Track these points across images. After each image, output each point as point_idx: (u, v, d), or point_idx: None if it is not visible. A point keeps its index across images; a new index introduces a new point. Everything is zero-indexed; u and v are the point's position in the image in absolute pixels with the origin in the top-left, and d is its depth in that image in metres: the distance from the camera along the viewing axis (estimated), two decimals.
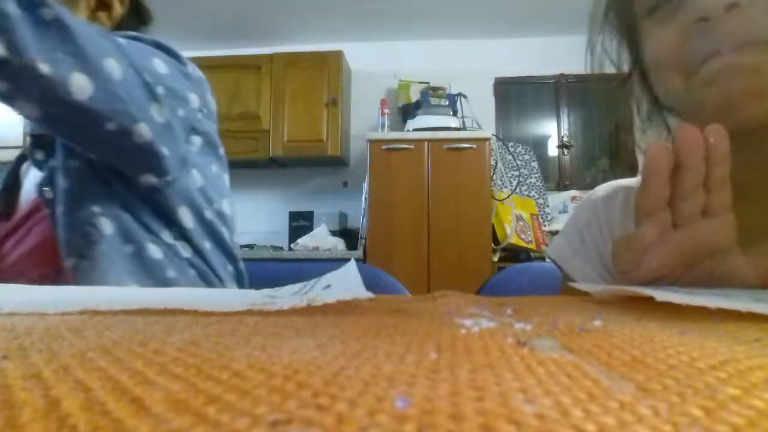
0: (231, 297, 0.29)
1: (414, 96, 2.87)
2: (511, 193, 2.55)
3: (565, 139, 3.04)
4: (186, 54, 0.69)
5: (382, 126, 2.80)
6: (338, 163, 3.08)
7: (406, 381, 0.11)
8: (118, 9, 0.71)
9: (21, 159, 0.72)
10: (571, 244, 0.56)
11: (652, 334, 0.17)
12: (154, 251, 0.60)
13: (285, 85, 2.95)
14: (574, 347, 0.15)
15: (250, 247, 2.79)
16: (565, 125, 3.05)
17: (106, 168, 0.60)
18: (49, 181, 0.60)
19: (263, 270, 0.71)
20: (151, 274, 0.59)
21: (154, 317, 0.21)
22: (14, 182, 0.69)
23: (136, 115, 0.55)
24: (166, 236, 0.63)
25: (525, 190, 2.72)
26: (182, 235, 0.65)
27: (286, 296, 0.28)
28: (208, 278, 0.66)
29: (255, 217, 3.06)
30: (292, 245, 2.77)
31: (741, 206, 0.34)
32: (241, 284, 0.73)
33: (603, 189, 0.58)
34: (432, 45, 3.10)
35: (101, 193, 0.59)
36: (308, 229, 2.85)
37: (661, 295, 0.24)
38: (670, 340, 0.15)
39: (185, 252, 0.64)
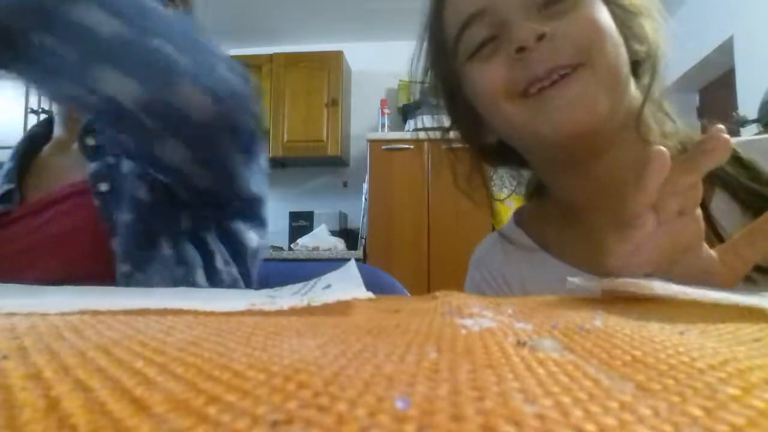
0: (231, 297, 0.29)
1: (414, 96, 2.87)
2: (511, 193, 2.54)
3: None
4: None
5: (382, 126, 2.80)
6: (338, 163, 3.09)
7: (406, 381, 0.11)
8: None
9: (34, 140, 0.68)
10: None
11: (652, 334, 0.17)
12: (201, 277, 0.59)
13: (285, 85, 2.95)
14: (574, 347, 0.15)
15: None
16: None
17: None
18: (105, 176, 0.57)
19: (263, 270, 0.70)
20: None
21: (154, 317, 0.21)
22: (28, 164, 0.66)
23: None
24: (219, 261, 0.61)
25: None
26: (234, 258, 0.63)
27: (286, 296, 0.28)
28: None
29: None
30: (292, 245, 2.77)
31: (585, 221, 0.43)
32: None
33: (481, 248, 0.64)
34: None
35: (171, 215, 0.58)
36: (308, 229, 2.85)
37: (659, 287, 0.24)
38: (670, 340, 0.15)
39: (228, 278, 0.62)
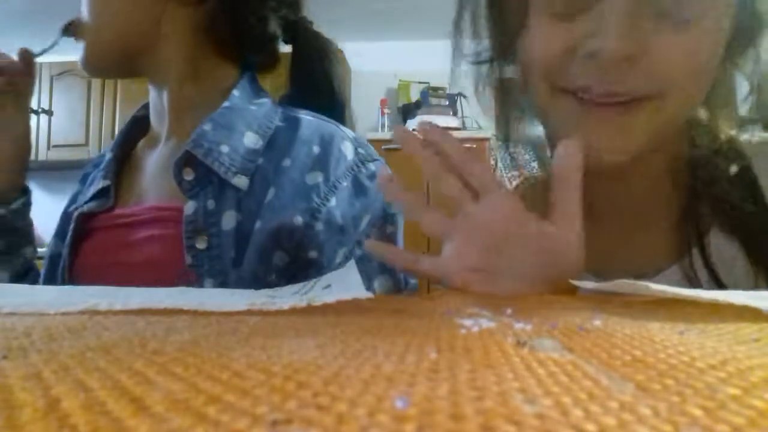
0: (231, 297, 0.29)
1: (414, 96, 2.87)
2: None
3: None
4: None
5: (382, 126, 2.80)
6: None
7: (406, 381, 0.11)
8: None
9: (136, 123, 0.63)
10: None
11: (652, 334, 0.17)
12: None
13: (285, 85, 2.95)
14: (574, 347, 0.15)
15: None
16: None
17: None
18: (203, 229, 0.51)
19: None
20: None
21: (154, 317, 0.21)
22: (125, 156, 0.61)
23: None
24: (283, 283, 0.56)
25: None
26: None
27: (286, 296, 0.28)
28: None
29: None
30: None
31: (588, 225, 0.35)
32: None
33: None
34: (432, 45, 3.09)
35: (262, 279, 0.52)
36: None
37: (654, 288, 0.24)
38: (670, 340, 0.15)
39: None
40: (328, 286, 0.30)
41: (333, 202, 0.52)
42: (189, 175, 0.52)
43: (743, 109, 0.44)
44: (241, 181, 0.51)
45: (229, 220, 0.51)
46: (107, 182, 0.57)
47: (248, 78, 0.60)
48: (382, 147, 2.62)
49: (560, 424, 0.08)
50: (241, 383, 0.11)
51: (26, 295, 0.32)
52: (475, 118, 2.73)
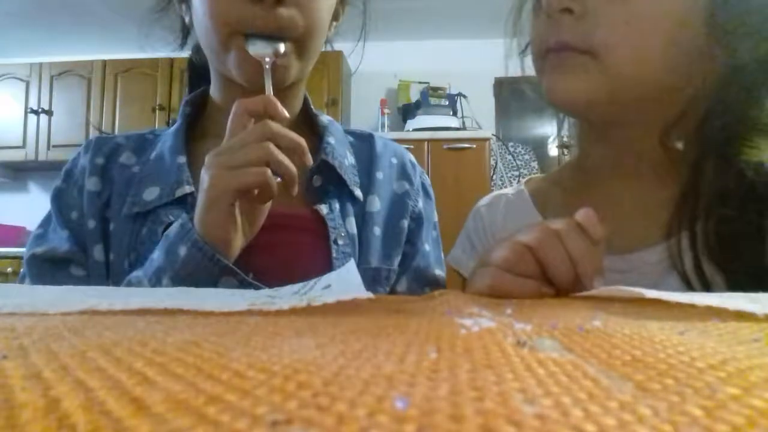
0: (231, 297, 0.29)
1: (414, 96, 2.87)
2: None
3: (565, 139, 3.04)
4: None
5: (382, 126, 2.80)
6: None
7: (406, 381, 0.11)
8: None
9: (195, 110, 0.61)
10: (465, 251, 0.61)
11: (652, 334, 0.17)
12: None
13: None
14: (574, 347, 0.15)
15: None
16: (565, 125, 3.05)
17: None
18: (338, 218, 0.56)
19: None
20: None
21: (154, 317, 0.21)
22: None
23: None
24: None
25: None
26: None
27: (286, 296, 0.28)
28: None
29: None
30: None
31: (613, 183, 0.46)
32: None
33: (486, 198, 0.63)
34: (432, 45, 3.10)
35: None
36: None
37: (648, 292, 0.24)
38: (670, 340, 0.15)
39: None
40: (328, 286, 0.30)
41: (420, 203, 0.63)
42: (317, 183, 0.57)
43: None
44: (359, 193, 0.59)
45: (351, 225, 0.57)
46: (191, 188, 0.53)
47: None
48: None
49: (560, 425, 0.08)
50: (241, 383, 0.11)
51: (26, 295, 0.32)
52: (475, 118, 2.73)
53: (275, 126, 0.44)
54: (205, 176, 0.44)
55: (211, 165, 0.43)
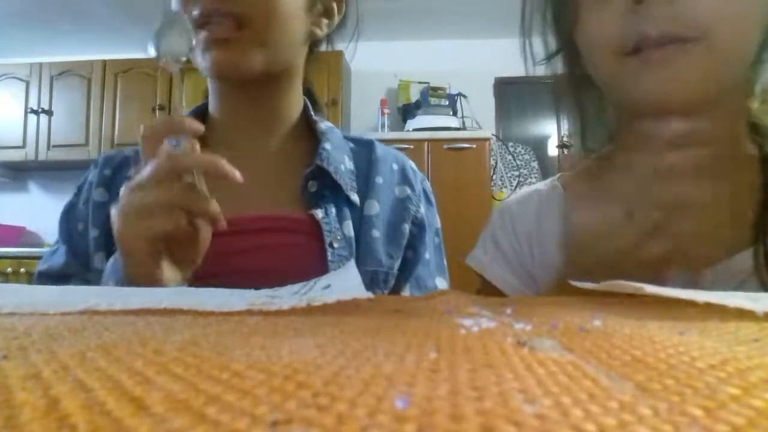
0: (231, 297, 0.29)
1: (414, 96, 2.87)
2: (511, 193, 2.55)
3: (565, 139, 3.04)
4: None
5: (382, 126, 2.80)
6: None
7: (406, 381, 0.11)
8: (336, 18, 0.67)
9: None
10: (487, 251, 0.58)
11: (652, 334, 0.17)
12: None
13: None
14: (574, 347, 0.15)
15: None
16: (565, 125, 3.05)
17: None
18: (334, 222, 0.56)
19: None
20: None
21: (154, 317, 0.21)
22: None
23: None
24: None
25: None
26: None
27: (286, 296, 0.28)
28: None
29: None
30: None
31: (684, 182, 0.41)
32: None
33: (516, 195, 0.60)
34: (432, 45, 3.10)
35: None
36: None
37: (649, 288, 0.24)
38: (670, 340, 0.15)
39: None
40: (328, 286, 0.30)
41: (422, 209, 0.64)
42: (313, 188, 0.57)
43: None
44: (356, 198, 0.59)
45: (348, 228, 0.57)
46: None
47: (306, 94, 0.66)
48: None
49: (560, 425, 0.08)
50: (241, 383, 0.11)
51: (26, 295, 0.32)
52: (475, 118, 2.73)
53: (183, 158, 0.40)
54: (114, 217, 0.41)
55: (121, 205, 0.40)
